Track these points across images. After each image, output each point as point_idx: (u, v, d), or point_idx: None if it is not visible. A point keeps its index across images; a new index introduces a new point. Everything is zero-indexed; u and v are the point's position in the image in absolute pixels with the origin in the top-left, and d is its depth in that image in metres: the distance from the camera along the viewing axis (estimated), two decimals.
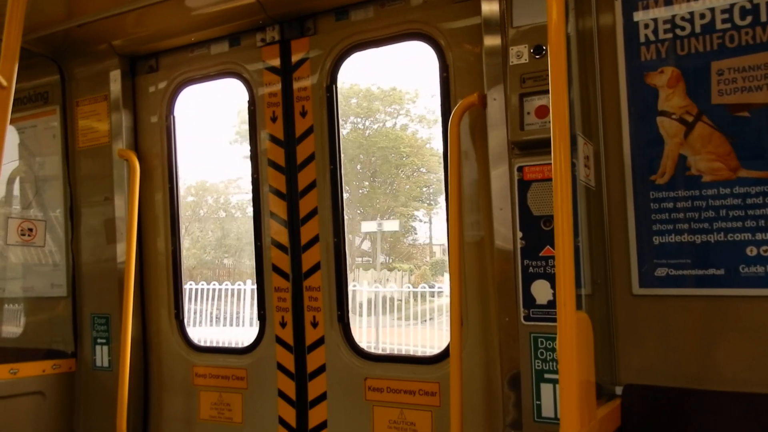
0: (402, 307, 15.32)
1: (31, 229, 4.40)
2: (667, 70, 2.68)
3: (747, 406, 2.42)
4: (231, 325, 16.02)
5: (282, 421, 3.78)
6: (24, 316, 4.56)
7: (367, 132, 23.20)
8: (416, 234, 24.66)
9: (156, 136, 4.25)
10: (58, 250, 4.41)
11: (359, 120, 23.19)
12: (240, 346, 4.13)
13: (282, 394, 3.79)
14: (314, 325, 3.70)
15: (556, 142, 2.00)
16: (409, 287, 16.44)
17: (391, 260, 23.71)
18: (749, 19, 2.54)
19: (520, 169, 2.64)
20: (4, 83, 2.39)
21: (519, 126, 2.65)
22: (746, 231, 2.51)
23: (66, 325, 4.30)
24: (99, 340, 4.18)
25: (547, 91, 2.47)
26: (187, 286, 16.00)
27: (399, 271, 21.64)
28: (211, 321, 16.41)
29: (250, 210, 4.26)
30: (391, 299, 15.44)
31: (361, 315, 14.75)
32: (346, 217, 3.80)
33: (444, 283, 21.11)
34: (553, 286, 2.53)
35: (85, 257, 4.29)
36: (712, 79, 2.59)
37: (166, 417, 4.20)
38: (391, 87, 22.68)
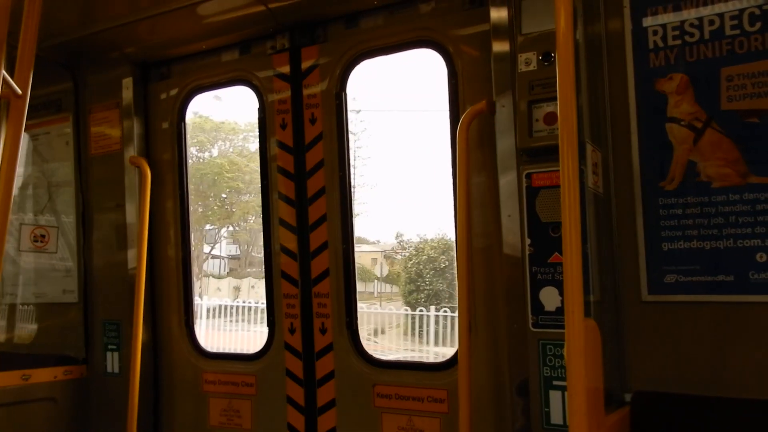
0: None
1: (43, 236, 4.43)
2: (676, 77, 2.67)
3: (758, 412, 2.40)
4: None
5: (291, 428, 3.78)
6: (36, 322, 4.59)
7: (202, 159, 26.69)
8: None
9: (167, 143, 4.28)
10: (70, 256, 4.44)
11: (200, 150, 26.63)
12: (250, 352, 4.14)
13: (291, 401, 3.79)
14: (323, 331, 3.70)
15: (564, 149, 2.00)
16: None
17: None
18: (758, 25, 2.53)
19: (529, 175, 2.64)
20: (19, 92, 2.41)
21: (527, 133, 2.65)
22: (756, 237, 2.50)
23: (77, 331, 4.33)
24: (110, 347, 4.20)
25: (555, 98, 2.45)
26: None
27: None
28: None
29: None
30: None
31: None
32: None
33: None
34: (561, 293, 2.52)
35: (96, 263, 4.31)
36: (722, 86, 2.58)
37: (176, 423, 4.21)
38: (223, 120, 26.23)
